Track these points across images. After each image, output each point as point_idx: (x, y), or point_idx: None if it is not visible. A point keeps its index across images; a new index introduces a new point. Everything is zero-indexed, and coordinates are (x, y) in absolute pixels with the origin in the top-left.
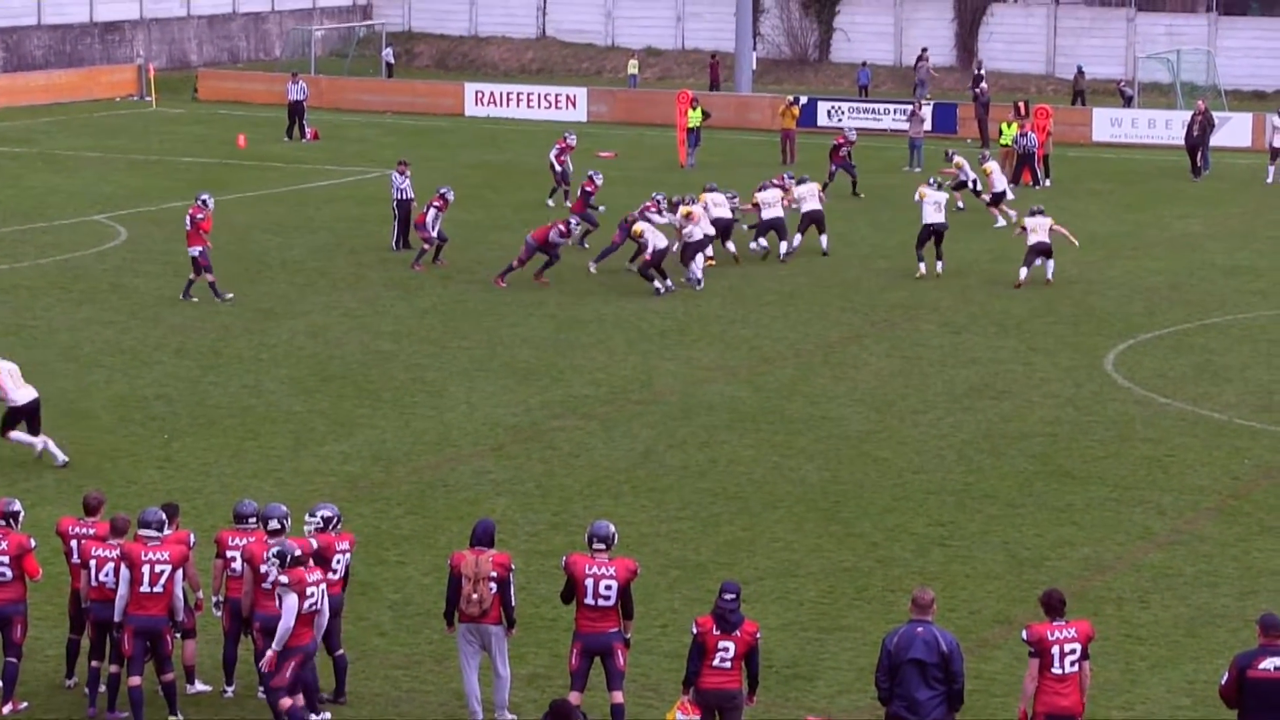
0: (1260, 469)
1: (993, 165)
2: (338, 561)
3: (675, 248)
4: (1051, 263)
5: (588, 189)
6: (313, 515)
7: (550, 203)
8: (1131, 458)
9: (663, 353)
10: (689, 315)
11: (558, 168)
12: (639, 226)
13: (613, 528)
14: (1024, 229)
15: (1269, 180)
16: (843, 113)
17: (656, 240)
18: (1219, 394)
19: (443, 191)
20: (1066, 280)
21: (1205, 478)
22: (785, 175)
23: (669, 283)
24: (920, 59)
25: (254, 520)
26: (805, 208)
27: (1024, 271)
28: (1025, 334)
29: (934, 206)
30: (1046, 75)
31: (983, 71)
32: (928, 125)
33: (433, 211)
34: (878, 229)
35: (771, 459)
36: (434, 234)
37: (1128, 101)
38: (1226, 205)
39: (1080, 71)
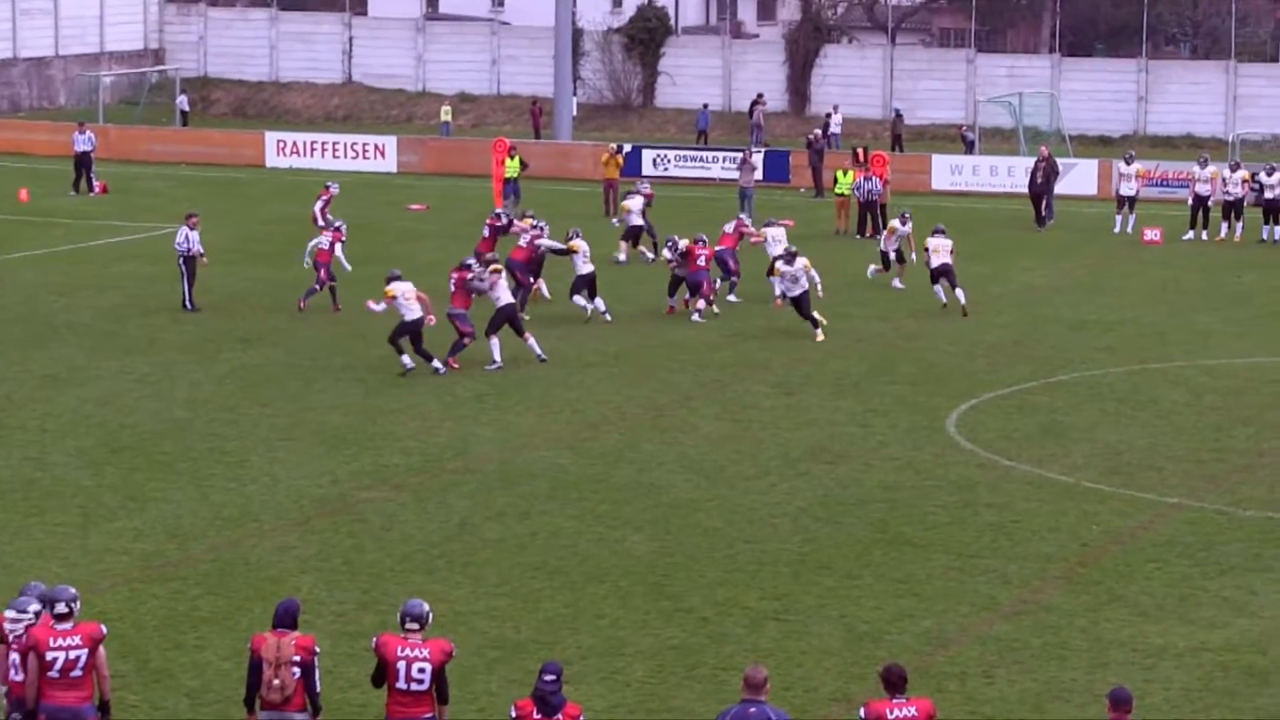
0: (1108, 534)
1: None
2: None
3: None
4: (960, 291)
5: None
6: (21, 610)
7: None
8: (975, 524)
9: (479, 418)
10: (508, 379)
11: (320, 221)
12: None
13: (426, 606)
14: (927, 249)
15: (1116, 230)
16: (669, 160)
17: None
18: (1066, 455)
19: (338, 225)
20: (906, 336)
21: (1052, 544)
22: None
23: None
24: (756, 103)
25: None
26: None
27: (938, 291)
28: (862, 394)
29: (937, 252)
30: (883, 119)
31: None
32: (759, 174)
33: (338, 247)
34: None
35: (596, 530)
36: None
37: (969, 147)
38: (1072, 256)
39: (898, 115)
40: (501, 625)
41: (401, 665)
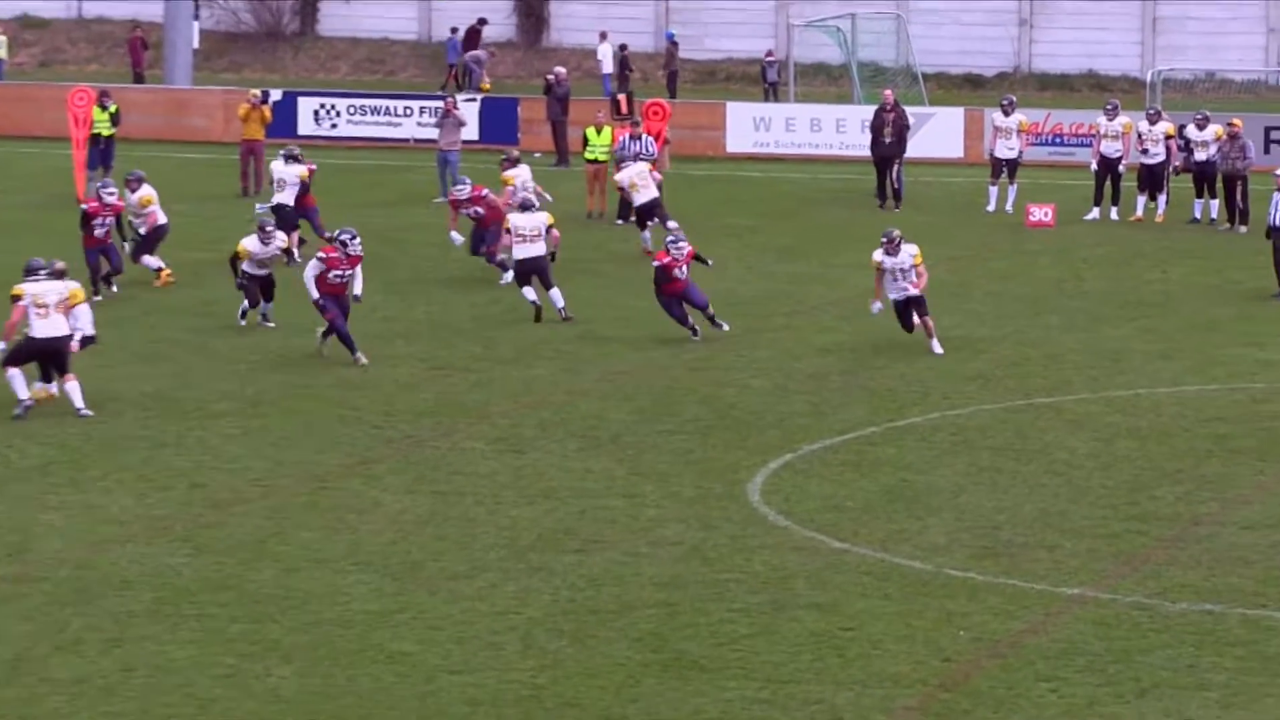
0: (982, 644)
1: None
2: None
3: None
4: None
5: None
6: None
7: None
8: (791, 636)
9: (45, 498)
10: (86, 436)
11: None
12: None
13: None
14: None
15: (990, 207)
16: (338, 113)
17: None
18: (921, 532)
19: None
20: (691, 365)
21: (902, 661)
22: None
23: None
24: (475, 30)
25: None
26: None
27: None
28: (627, 450)
29: (893, 278)
30: (656, 52)
31: (604, 46)
32: (471, 131)
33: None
34: (393, 291)
35: (225, 662)
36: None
37: (772, 91)
38: (930, 247)
39: (673, 42)
40: None
41: None
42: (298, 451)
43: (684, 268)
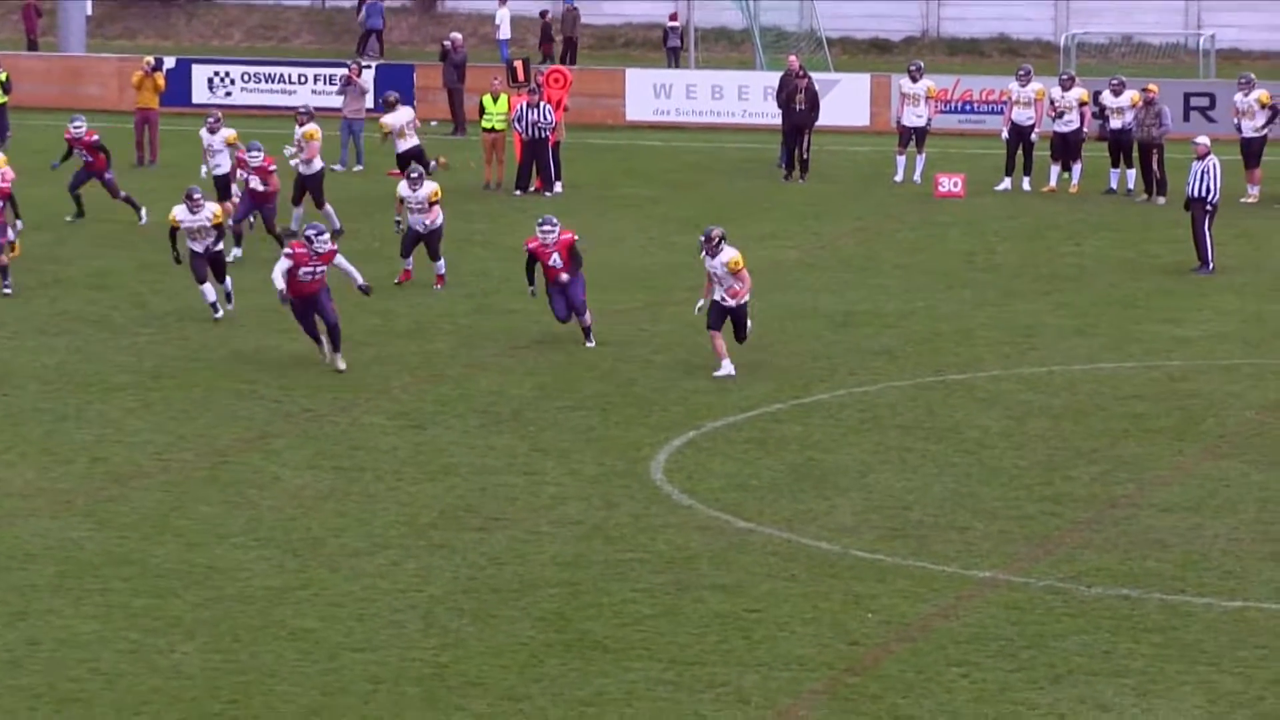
0: (891, 627)
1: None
2: None
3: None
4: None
5: None
6: None
7: None
8: (695, 616)
9: None
10: None
11: None
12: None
13: None
14: None
15: (898, 178)
16: (232, 81)
17: None
18: (829, 512)
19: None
20: (594, 340)
21: (808, 644)
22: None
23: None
24: None
25: None
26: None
27: None
28: (528, 425)
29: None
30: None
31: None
32: (368, 100)
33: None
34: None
35: (128, 637)
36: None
37: (674, 57)
38: (837, 219)
39: (571, 8)
40: None
41: None
42: (197, 425)
43: (557, 256)
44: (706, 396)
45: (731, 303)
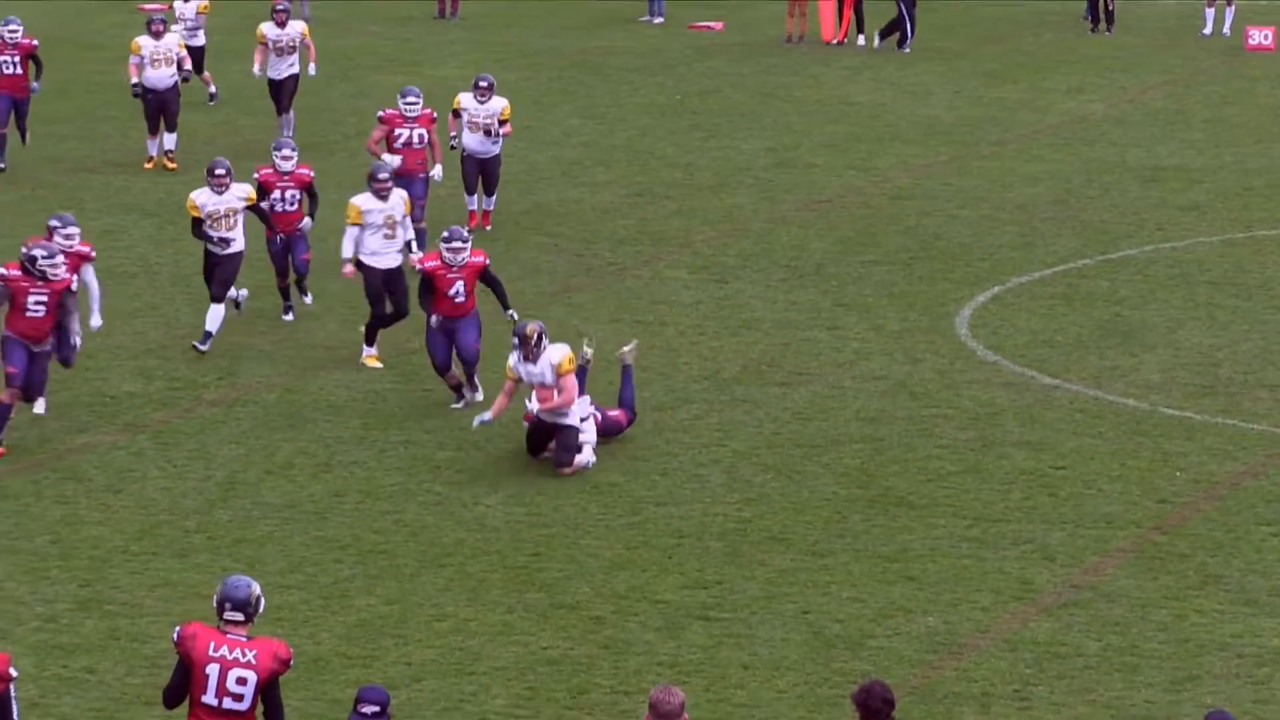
0: (1200, 486)
1: None
2: None
3: None
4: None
5: None
6: None
7: None
8: (1000, 474)
9: (254, 326)
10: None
11: None
12: None
13: (255, 587)
14: None
15: (1207, 30)
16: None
17: None
18: (1136, 368)
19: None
20: (891, 194)
21: (1116, 501)
22: None
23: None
24: None
25: None
26: None
27: None
28: (830, 281)
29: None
30: None
31: None
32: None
33: None
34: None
35: (432, 490)
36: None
37: None
38: (1143, 73)
39: None
40: (293, 632)
41: (213, 671)
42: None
43: (461, 285)
44: (1012, 252)
45: (557, 416)
